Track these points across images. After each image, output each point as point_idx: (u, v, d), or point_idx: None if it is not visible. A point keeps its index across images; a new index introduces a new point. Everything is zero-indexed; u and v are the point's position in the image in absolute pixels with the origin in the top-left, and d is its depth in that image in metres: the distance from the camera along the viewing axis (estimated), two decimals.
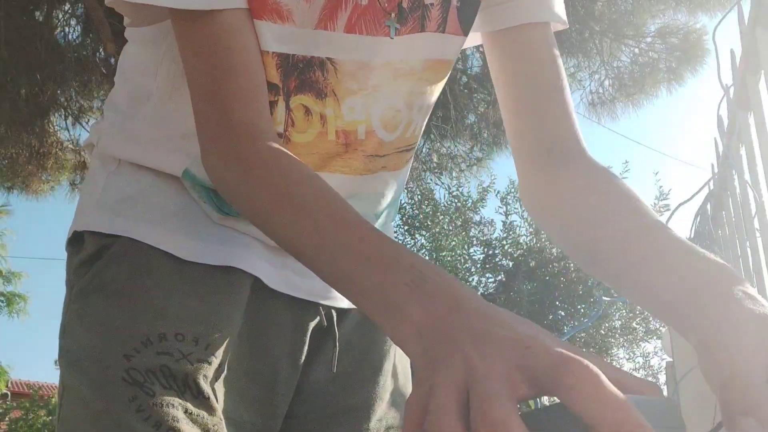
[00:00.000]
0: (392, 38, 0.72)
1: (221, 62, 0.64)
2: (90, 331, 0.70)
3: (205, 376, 0.67)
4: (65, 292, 0.77)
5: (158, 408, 0.64)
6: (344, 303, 0.80)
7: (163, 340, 0.67)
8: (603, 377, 0.36)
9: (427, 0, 0.74)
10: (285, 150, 0.63)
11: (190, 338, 0.68)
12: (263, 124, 0.64)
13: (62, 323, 0.74)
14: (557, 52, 0.79)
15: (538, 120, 0.76)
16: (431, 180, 9.47)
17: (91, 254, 0.73)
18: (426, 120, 0.83)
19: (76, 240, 0.77)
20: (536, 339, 0.40)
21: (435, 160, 6.50)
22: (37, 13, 4.05)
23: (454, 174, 7.06)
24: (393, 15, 0.71)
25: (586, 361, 0.37)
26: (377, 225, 0.82)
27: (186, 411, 0.65)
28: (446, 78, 0.82)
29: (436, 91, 0.81)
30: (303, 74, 0.70)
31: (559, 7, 0.80)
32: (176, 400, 0.65)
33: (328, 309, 0.79)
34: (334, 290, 0.74)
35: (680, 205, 1.53)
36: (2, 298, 12.96)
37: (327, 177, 0.73)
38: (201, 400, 0.66)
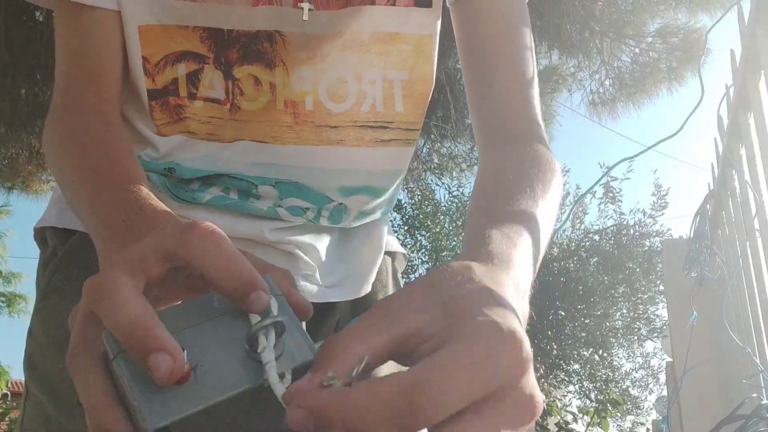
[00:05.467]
0: (304, 11, 0.71)
1: (76, 48, 0.73)
2: (48, 333, 0.70)
3: None
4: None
5: None
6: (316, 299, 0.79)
7: None
8: (225, 238, 0.41)
9: None
10: (104, 126, 0.68)
11: None
12: (101, 103, 0.71)
13: (29, 325, 0.75)
14: (517, 25, 0.74)
15: (481, 98, 0.73)
16: (432, 180, 9.48)
17: (52, 251, 0.74)
18: (397, 97, 0.79)
19: (42, 239, 0.78)
20: (168, 219, 0.45)
21: (435, 160, 6.49)
22: (37, 14, 4.04)
23: (454, 174, 7.05)
24: None
25: (208, 224, 0.41)
26: (349, 206, 0.80)
27: None
28: (424, 54, 0.78)
29: (404, 65, 0.78)
30: (247, 47, 0.73)
31: None
32: None
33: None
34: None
35: None
36: (3, 299, 12.96)
37: (281, 149, 0.75)
38: None
